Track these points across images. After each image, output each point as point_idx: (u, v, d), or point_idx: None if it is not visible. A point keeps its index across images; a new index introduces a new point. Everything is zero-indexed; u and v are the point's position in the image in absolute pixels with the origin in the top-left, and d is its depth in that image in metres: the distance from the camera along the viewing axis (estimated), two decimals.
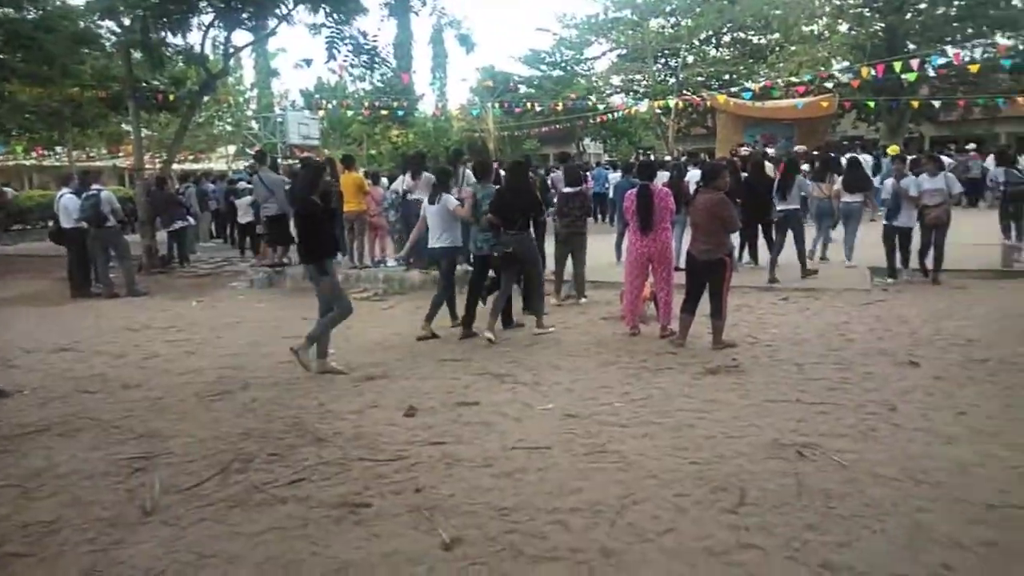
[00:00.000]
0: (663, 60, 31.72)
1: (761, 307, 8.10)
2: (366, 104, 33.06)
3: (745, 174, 10.17)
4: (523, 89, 33.23)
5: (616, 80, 33.45)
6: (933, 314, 7.37)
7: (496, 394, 5.34)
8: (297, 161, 17.66)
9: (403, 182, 10.95)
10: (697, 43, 30.97)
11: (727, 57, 31.13)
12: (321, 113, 32.68)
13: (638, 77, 32.19)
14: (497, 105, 31.01)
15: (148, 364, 6.65)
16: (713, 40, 31.78)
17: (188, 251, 13.88)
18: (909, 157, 10.79)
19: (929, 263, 9.20)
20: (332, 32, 6.90)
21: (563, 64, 34.85)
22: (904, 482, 3.56)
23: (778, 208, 9.47)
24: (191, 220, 14.23)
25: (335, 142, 35.07)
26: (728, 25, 29.97)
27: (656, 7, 30.44)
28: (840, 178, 10.37)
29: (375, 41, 7.42)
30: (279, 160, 20.21)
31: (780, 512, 3.32)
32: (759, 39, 30.84)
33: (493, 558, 3.04)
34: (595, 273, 9.27)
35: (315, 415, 5.00)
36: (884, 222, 9.41)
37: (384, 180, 13.29)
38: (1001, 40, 21.96)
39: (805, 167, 12.76)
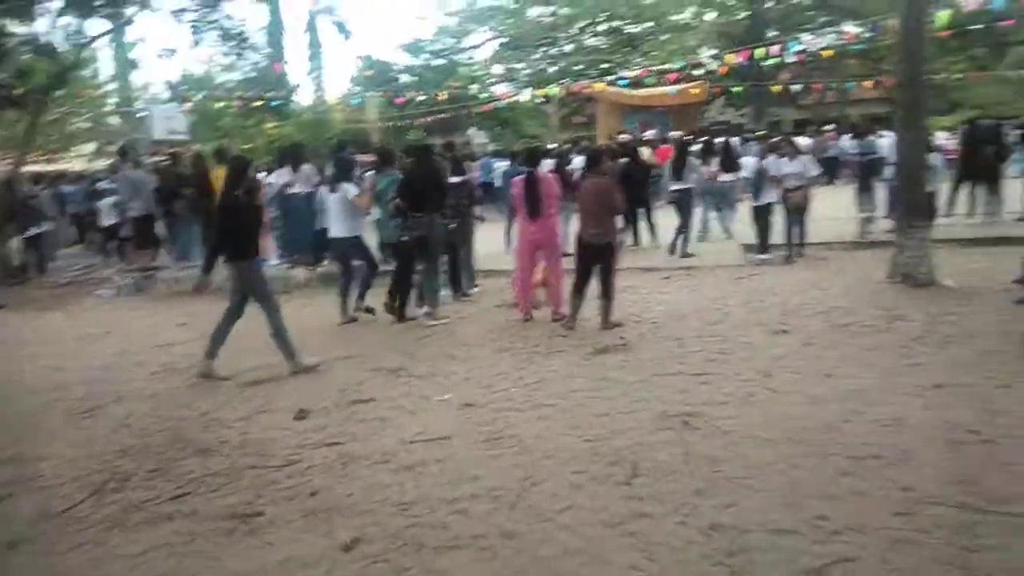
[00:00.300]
0: (543, 49, 32.20)
1: (645, 287, 8.40)
2: (238, 95, 31.53)
3: (623, 160, 10.54)
4: (405, 78, 32.81)
5: (498, 69, 33.66)
6: (799, 285, 7.90)
7: (391, 389, 5.26)
8: (165, 158, 16.64)
9: (282, 176, 10.55)
10: (575, 32, 31.64)
11: (604, 46, 32.00)
12: (189, 106, 30.87)
13: (519, 66, 32.55)
14: (379, 95, 30.44)
15: (9, 383, 6.09)
16: (590, 29, 32.56)
17: (47, 259, 12.79)
18: (772, 139, 11.51)
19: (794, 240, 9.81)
20: (197, 17, 6.50)
21: (445, 53, 34.67)
22: (781, 443, 3.81)
23: (672, 188, 10.39)
24: (46, 225, 13.11)
25: (206, 136, 33.31)
26: (603, 14, 30.79)
27: None
28: (717, 160, 11.02)
29: (243, 25, 7.06)
30: (144, 157, 18.98)
31: (670, 480, 3.47)
32: (633, 28, 31.89)
33: (394, 554, 3.01)
34: (486, 261, 9.30)
35: (198, 425, 4.75)
36: (752, 202, 9.78)
37: (262, 174, 12.72)
38: (849, 28, 23.71)
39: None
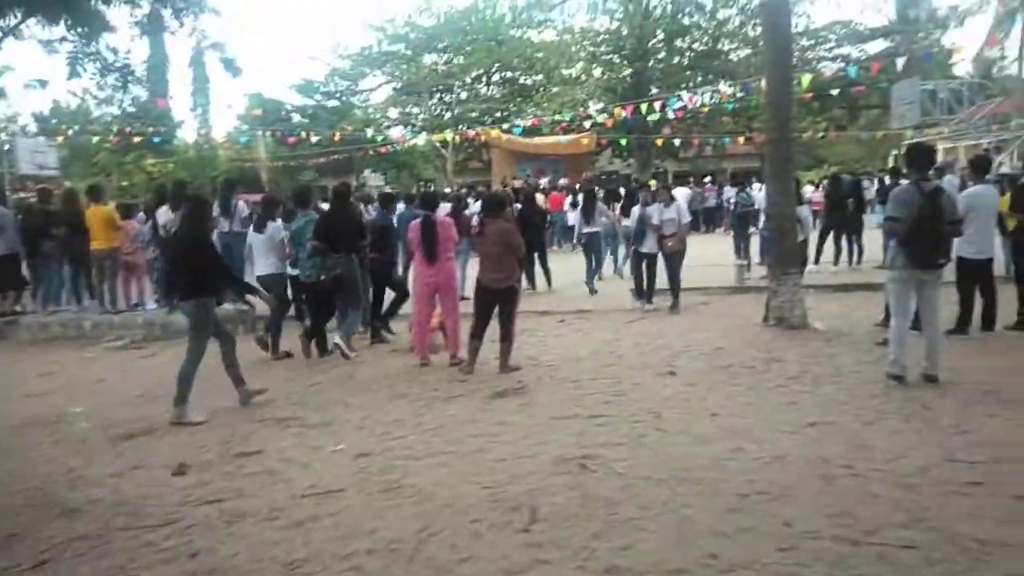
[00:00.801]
0: (438, 95, 32.63)
1: (542, 330, 8.54)
2: (115, 130, 29.95)
3: (519, 205, 10.79)
4: (297, 118, 32.30)
5: (393, 113, 33.82)
6: (685, 328, 8.27)
7: (281, 440, 5.04)
8: (32, 194, 15.47)
9: (162, 215, 10.04)
10: (469, 80, 32.29)
11: (498, 95, 32.81)
12: (61, 140, 28.98)
13: (415, 111, 32.81)
14: (269, 134, 29.74)
15: None
16: (484, 78, 33.35)
17: None
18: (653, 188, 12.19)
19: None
20: (76, 48, 6.12)
21: (338, 94, 34.47)
22: (672, 482, 3.92)
23: (584, 231, 11.44)
24: None
25: (79, 172, 31.32)
26: (497, 65, 31.65)
27: (429, 44, 31.32)
28: (619, 205, 12.23)
29: (127, 58, 6.73)
30: (8, 192, 17.60)
31: (568, 525, 3.48)
32: (526, 79, 32.94)
33: None
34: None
35: (64, 483, 4.36)
36: (633, 248, 9.80)
37: (141, 214, 12.05)
38: (724, 88, 25.57)
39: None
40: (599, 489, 3.88)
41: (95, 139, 29.98)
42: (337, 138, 27.50)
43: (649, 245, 9.42)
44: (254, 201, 14.25)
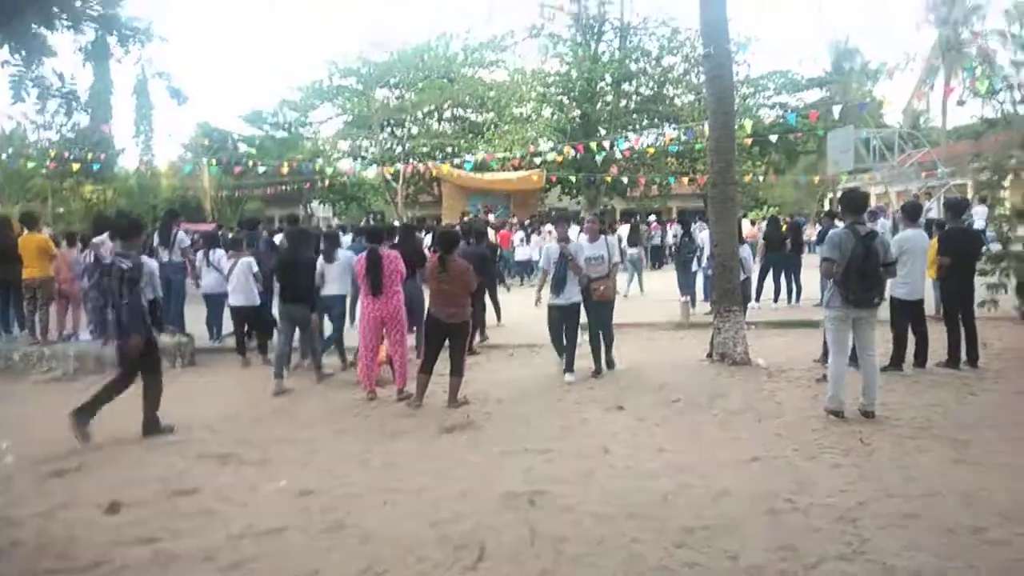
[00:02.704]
0: (389, 129, 32.69)
1: (490, 364, 8.51)
2: (52, 155, 28.99)
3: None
4: (244, 148, 31.87)
5: (344, 145, 33.65)
6: (632, 363, 8.34)
7: (219, 477, 4.87)
8: None
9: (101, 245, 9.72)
10: (421, 116, 32.47)
11: (449, 131, 33.06)
12: None
13: (366, 144, 32.73)
14: (214, 163, 29.22)
15: None
16: (436, 114, 33.58)
17: None
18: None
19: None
20: (19, 71, 5.91)
21: (287, 126, 34.19)
22: (619, 518, 3.93)
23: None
24: None
25: (13, 197, 30.15)
26: (449, 102, 31.93)
27: (381, 78, 31.40)
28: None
29: (73, 84, 6.54)
30: None
31: (516, 562, 3.45)
32: (477, 117, 33.31)
33: None
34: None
35: None
36: (552, 299, 7.49)
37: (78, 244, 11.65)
38: (668, 131, 26.34)
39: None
40: (547, 526, 3.85)
41: (30, 164, 28.95)
42: (285, 169, 27.19)
43: (569, 294, 7.33)
44: (196, 231, 13.97)
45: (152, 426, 6.00)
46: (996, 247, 8.92)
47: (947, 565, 3.30)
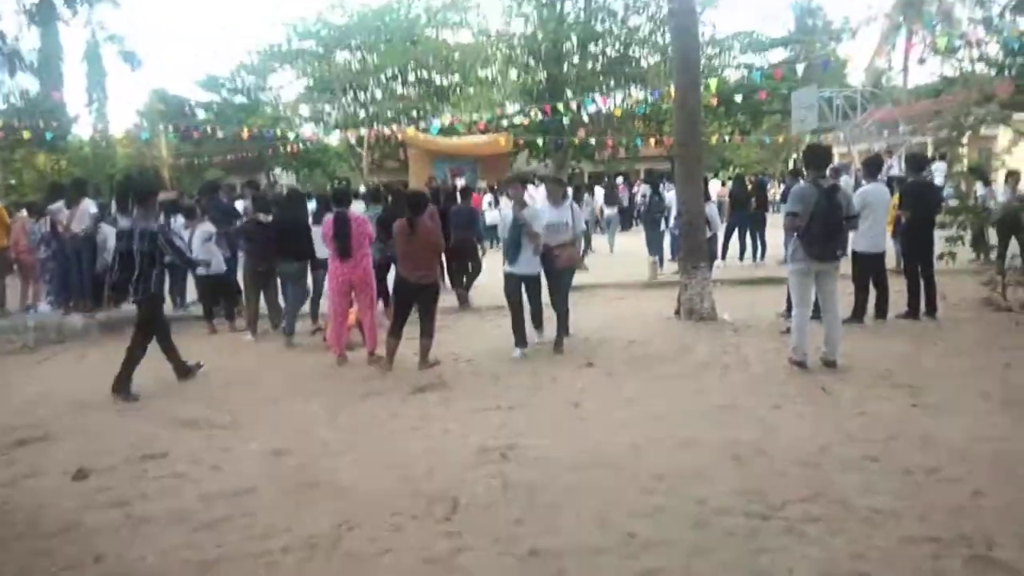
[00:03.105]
0: (352, 93, 32.03)
1: (460, 326, 8.52)
2: (1, 124, 27.92)
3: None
4: (202, 114, 31.02)
5: (305, 110, 32.93)
6: (602, 322, 8.41)
7: (189, 442, 4.83)
8: None
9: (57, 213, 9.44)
10: (384, 79, 31.85)
11: (413, 95, 32.51)
12: None
13: (328, 108, 32.07)
14: (171, 130, 28.43)
15: None
16: (399, 77, 32.98)
17: None
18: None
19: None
20: None
21: (246, 90, 33.32)
22: (591, 467, 4.00)
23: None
24: None
25: None
26: (412, 64, 31.38)
27: (341, 41, 30.69)
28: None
29: (16, 44, 6.23)
30: None
31: (490, 512, 3.50)
32: (442, 79, 32.81)
33: None
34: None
35: None
36: (505, 269, 6.93)
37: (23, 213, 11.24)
38: (635, 92, 26.28)
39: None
40: (520, 477, 3.91)
41: None
42: (245, 135, 26.56)
43: (526, 263, 6.78)
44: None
45: (123, 384, 6.01)
46: (954, 203, 9.13)
47: (904, 503, 3.43)
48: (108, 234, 9.35)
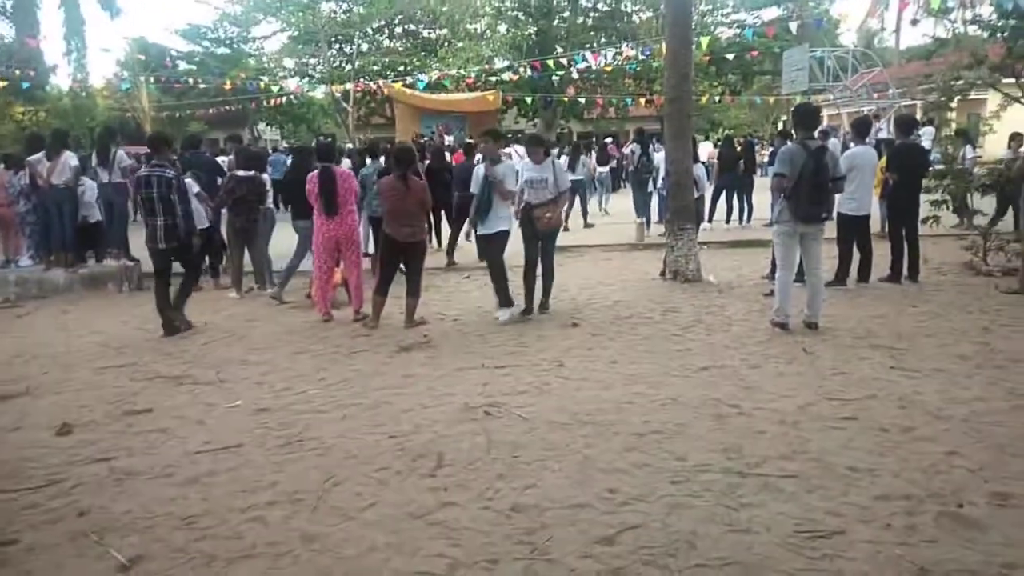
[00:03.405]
0: (337, 46, 31.33)
1: (447, 286, 8.52)
2: None
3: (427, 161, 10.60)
4: (183, 66, 30.28)
5: (289, 63, 32.20)
6: (588, 282, 8.45)
7: (173, 398, 4.84)
8: None
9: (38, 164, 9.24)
10: (371, 31, 31.15)
11: (400, 48, 31.85)
12: None
13: (313, 61, 31.39)
14: (152, 81, 27.76)
15: None
16: (386, 30, 32.26)
17: None
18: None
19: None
20: None
21: (228, 41, 32.50)
22: (574, 425, 4.05)
23: (571, 178, 12.02)
24: None
25: None
26: (399, 17, 30.67)
27: None
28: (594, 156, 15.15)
29: None
30: None
31: (473, 469, 3.54)
32: (429, 33, 32.13)
33: (181, 569, 2.76)
34: (281, 262, 8.84)
35: None
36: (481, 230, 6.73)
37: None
38: (626, 49, 25.89)
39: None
40: (504, 434, 3.95)
41: None
42: (228, 87, 25.98)
43: (492, 222, 6.57)
44: (137, 153, 13.37)
45: (179, 316, 6.67)
46: (941, 167, 9.14)
47: (880, 460, 3.50)
48: (89, 187, 9.19)
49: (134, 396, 4.88)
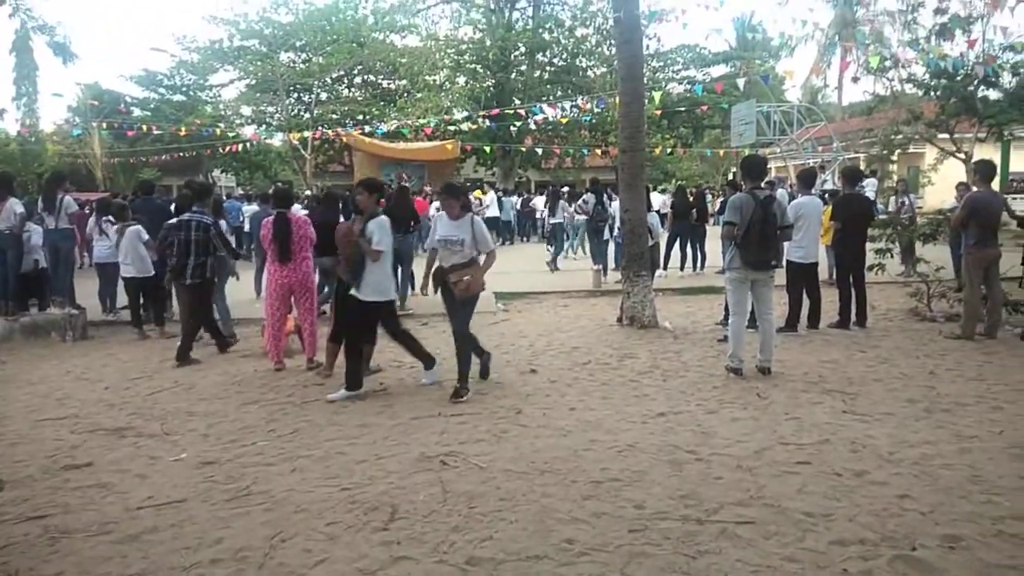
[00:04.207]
0: (296, 94, 31.44)
1: None
2: None
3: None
4: (138, 112, 29.97)
5: (247, 111, 32.13)
6: (546, 328, 8.46)
7: (114, 451, 4.63)
8: None
9: None
10: (330, 81, 31.36)
11: (360, 98, 32.09)
12: None
13: (271, 109, 31.37)
14: (105, 127, 27.37)
15: None
16: (345, 80, 32.52)
17: None
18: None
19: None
20: None
21: (185, 88, 32.33)
22: (531, 474, 3.99)
23: (550, 222, 15.37)
24: None
25: None
26: (359, 67, 30.98)
27: (285, 41, 30.11)
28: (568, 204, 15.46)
29: None
30: None
31: (428, 521, 3.44)
32: (389, 83, 32.48)
33: None
34: (235, 310, 8.66)
35: None
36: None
37: None
38: (581, 102, 26.56)
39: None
40: (460, 484, 3.87)
41: None
42: (183, 133, 25.73)
43: (366, 287, 5.67)
44: (88, 199, 13.07)
45: (186, 355, 7.12)
46: (884, 217, 9.50)
47: (834, 505, 3.53)
48: (34, 232, 8.93)
49: (73, 449, 4.66)
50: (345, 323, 6.05)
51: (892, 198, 11.86)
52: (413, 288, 10.88)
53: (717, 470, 4.01)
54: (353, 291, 5.69)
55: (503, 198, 22.19)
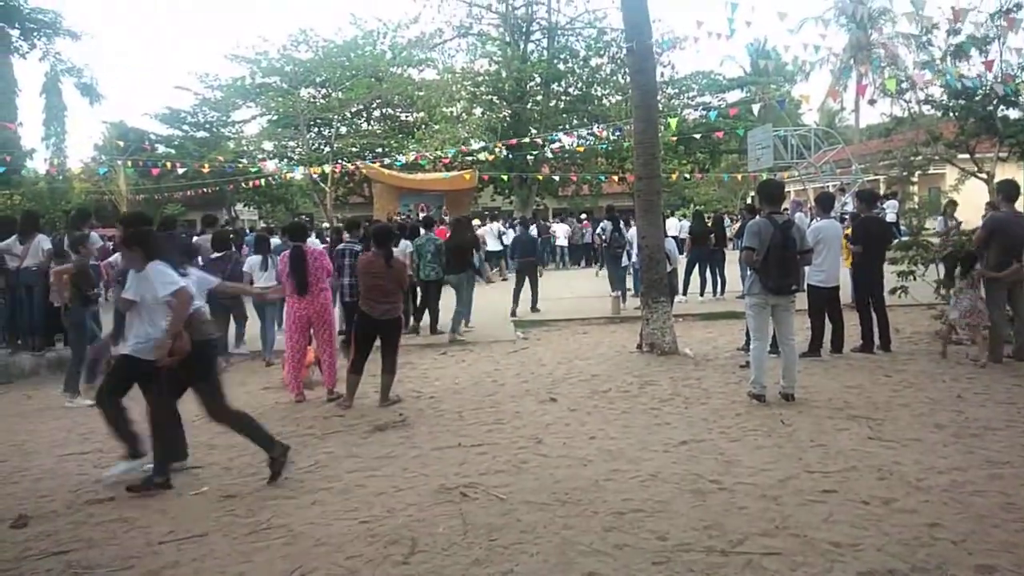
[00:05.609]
0: (316, 129, 31.98)
1: (423, 363, 8.44)
2: None
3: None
4: (162, 149, 30.61)
5: (268, 145, 32.70)
6: (565, 356, 8.43)
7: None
8: None
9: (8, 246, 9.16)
10: (349, 115, 31.88)
11: (378, 130, 32.56)
12: None
13: (292, 144, 31.91)
14: (130, 164, 27.97)
15: None
16: (364, 113, 33.04)
17: None
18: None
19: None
20: None
21: (208, 125, 33.02)
22: (552, 505, 3.95)
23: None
24: None
25: None
26: (377, 101, 31.48)
27: (306, 77, 30.71)
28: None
29: None
30: None
31: (448, 554, 3.41)
32: (407, 116, 32.95)
33: None
34: (255, 342, 8.75)
35: None
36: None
37: None
38: (597, 131, 26.73)
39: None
40: (480, 516, 3.84)
41: None
42: (206, 170, 26.22)
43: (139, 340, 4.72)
44: (112, 236, 13.28)
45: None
46: (906, 239, 9.37)
47: (862, 534, 3.44)
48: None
49: (96, 484, 4.70)
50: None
51: (940, 218, 11.76)
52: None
53: (741, 500, 3.94)
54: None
55: (502, 228, 20.89)
